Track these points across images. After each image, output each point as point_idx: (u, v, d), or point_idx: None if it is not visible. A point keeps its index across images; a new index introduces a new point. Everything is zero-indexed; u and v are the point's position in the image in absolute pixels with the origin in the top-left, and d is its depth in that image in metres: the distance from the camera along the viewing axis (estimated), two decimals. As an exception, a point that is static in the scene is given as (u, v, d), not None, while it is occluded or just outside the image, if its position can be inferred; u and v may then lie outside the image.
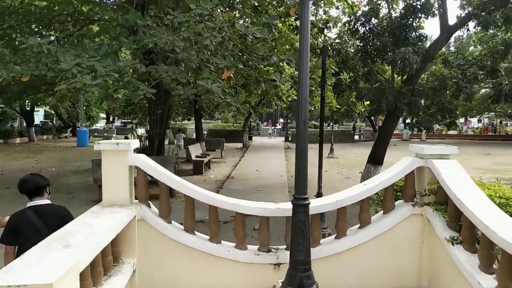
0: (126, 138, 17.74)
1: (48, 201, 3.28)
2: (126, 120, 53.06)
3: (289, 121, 37.52)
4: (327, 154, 21.06)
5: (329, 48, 9.84)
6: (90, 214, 2.93)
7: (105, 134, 31.86)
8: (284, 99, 18.96)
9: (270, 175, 14.12)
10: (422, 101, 9.73)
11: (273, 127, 41.01)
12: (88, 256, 2.10)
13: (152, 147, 12.09)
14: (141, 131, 32.63)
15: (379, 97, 8.75)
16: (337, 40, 11.43)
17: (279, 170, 15.43)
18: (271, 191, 11.09)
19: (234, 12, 10.67)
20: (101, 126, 42.20)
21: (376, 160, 9.83)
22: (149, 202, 3.41)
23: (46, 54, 7.23)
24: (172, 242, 3.12)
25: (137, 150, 11.92)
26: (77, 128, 31.00)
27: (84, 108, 31.35)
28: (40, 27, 11.55)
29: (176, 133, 20.77)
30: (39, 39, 7.46)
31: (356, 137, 35.10)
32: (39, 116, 41.21)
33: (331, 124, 48.97)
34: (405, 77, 9.57)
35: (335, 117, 34.46)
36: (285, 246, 3.16)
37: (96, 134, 31.73)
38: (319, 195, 6.93)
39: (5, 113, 31.63)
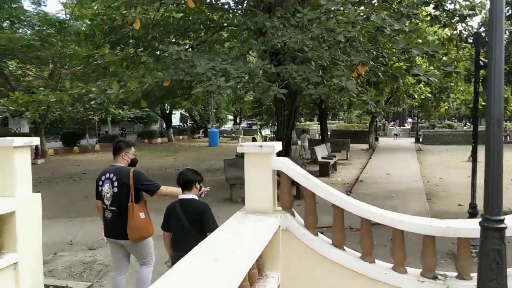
0: (254, 139, 18.18)
1: (194, 196, 3.47)
2: (251, 122, 55.52)
3: (420, 120, 34.70)
4: (467, 157, 18.75)
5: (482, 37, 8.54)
6: (236, 222, 2.77)
7: (233, 134, 33.55)
8: (417, 96, 17.39)
9: (403, 179, 13.01)
10: None
11: (400, 128, 38.27)
12: (239, 274, 1.89)
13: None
14: (265, 132, 33.63)
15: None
16: (482, 29, 10.03)
17: (413, 174, 14.16)
18: (406, 198, 10.13)
19: (361, 8, 10.03)
20: (228, 128, 44.70)
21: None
22: (293, 210, 3.14)
23: (183, 60, 7.66)
24: (319, 257, 2.80)
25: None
26: (208, 129, 33.27)
27: (214, 110, 33.47)
28: (178, 36, 12.48)
29: (301, 134, 20.72)
30: (177, 47, 7.90)
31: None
32: (175, 119, 45.49)
33: (467, 123, 44.09)
34: None
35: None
36: (455, 274, 2.59)
37: (225, 134, 33.62)
38: (473, 207, 5.97)
39: (149, 116, 35.61)
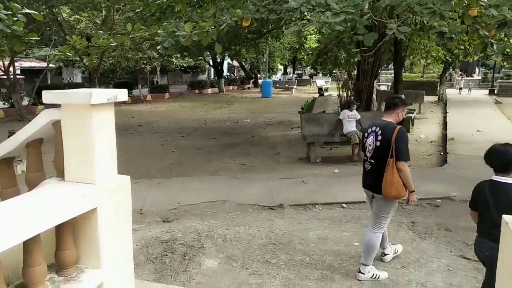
0: (321, 89, 16.55)
1: (511, 180, 2.79)
2: (300, 72, 53.18)
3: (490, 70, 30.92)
4: None
5: None
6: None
7: (286, 85, 31.87)
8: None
9: (500, 137, 11.00)
10: None
11: (468, 79, 34.28)
12: None
13: (360, 101, 10.55)
14: (320, 82, 31.64)
15: None
16: None
17: (508, 132, 12.23)
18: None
19: None
20: (277, 78, 42.93)
21: None
22: None
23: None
24: None
25: (342, 104, 10.42)
26: (260, 80, 31.73)
27: (267, 59, 31.69)
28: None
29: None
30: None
31: None
32: (224, 69, 44.17)
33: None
34: None
35: None
36: None
37: (277, 85, 32.01)
38: None
39: (199, 66, 34.42)
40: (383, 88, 23.80)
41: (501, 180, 2.79)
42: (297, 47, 31.13)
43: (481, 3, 6.24)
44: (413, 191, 3.68)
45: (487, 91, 27.50)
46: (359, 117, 9.07)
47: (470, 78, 35.38)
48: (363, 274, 3.82)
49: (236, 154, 9.88)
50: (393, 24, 5.37)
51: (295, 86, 31.15)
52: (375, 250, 3.82)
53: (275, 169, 8.35)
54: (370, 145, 3.78)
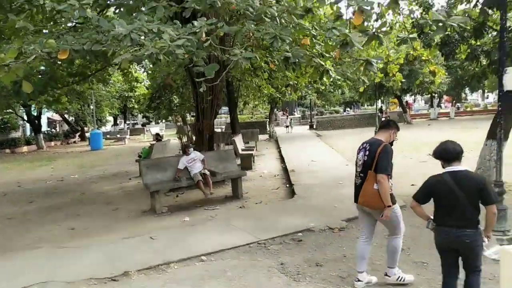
0: (158, 135, 15.54)
1: (465, 168, 3.24)
2: (134, 121, 51.06)
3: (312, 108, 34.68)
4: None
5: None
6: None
7: (118, 135, 29.72)
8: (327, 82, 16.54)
9: (333, 165, 12.05)
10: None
11: (290, 118, 37.70)
12: None
13: (202, 142, 9.99)
14: (155, 130, 30.52)
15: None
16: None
17: (337, 159, 13.43)
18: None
19: None
20: (107, 129, 40.12)
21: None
22: None
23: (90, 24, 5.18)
24: None
25: (183, 146, 9.64)
26: (88, 132, 28.82)
27: (93, 108, 29.10)
28: None
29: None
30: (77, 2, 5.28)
31: (383, 120, 32.82)
32: (43, 124, 39.06)
33: (347, 109, 46.91)
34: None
35: (362, 100, 32.41)
36: None
37: (108, 136, 29.58)
38: (498, 184, 4.89)
39: (8, 121, 29.40)
40: (218, 130, 24.14)
41: (459, 169, 3.18)
42: (126, 95, 29.62)
43: (313, 33, 6.42)
44: (390, 206, 3.76)
45: (307, 127, 30.72)
46: (202, 156, 8.48)
47: (291, 116, 39.23)
48: (389, 276, 4.04)
49: (62, 217, 8.05)
50: (237, 50, 4.95)
51: (128, 136, 29.29)
52: (399, 252, 4.01)
53: (115, 228, 6.95)
54: (360, 160, 3.97)
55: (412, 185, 7.50)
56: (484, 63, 8.70)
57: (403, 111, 30.91)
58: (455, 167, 3.20)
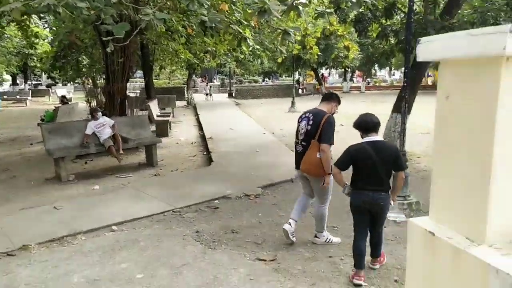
0: (64, 97, 14.28)
1: (381, 138, 3.69)
2: (38, 82, 46.46)
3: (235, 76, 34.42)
4: (288, 108, 19.45)
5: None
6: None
7: (18, 96, 26.85)
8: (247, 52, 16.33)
9: (251, 134, 12.13)
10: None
11: (209, 85, 37.00)
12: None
13: (113, 106, 9.37)
14: (61, 92, 28.06)
15: (420, 32, 7.08)
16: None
17: (254, 128, 13.54)
18: (272, 152, 9.19)
19: None
20: (4, 89, 36.08)
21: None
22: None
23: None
24: None
25: (91, 110, 9.00)
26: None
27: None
28: None
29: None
30: None
31: (300, 91, 33.80)
32: None
33: (266, 79, 47.47)
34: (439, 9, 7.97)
35: (280, 71, 32.88)
36: None
37: (5, 96, 26.58)
38: (402, 153, 5.26)
39: None
40: (132, 95, 22.94)
41: (376, 139, 3.45)
42: (26, 52, 26.64)
43: None
44: (330, 173, 3.92)
45: (226, 95, 30.52)
46: (112, 122, 7.98)
47: (211, 84, 38.66)
48: (319, 238, 4.32)
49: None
50: (149, 9, 4.58)
51: (29, 97, 26.57)
52: (325, 218, 4.27)
53: (12, 198, 6.30)
54: (302, 129, 4.13)
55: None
56: (393, 42, 9.19)
57: (319, 83, 32.08)
58: (373, 137, 3.44)
